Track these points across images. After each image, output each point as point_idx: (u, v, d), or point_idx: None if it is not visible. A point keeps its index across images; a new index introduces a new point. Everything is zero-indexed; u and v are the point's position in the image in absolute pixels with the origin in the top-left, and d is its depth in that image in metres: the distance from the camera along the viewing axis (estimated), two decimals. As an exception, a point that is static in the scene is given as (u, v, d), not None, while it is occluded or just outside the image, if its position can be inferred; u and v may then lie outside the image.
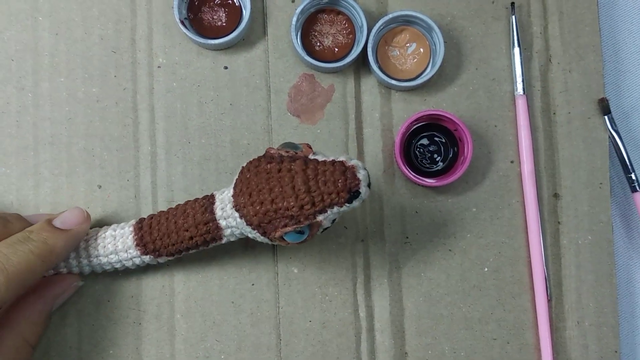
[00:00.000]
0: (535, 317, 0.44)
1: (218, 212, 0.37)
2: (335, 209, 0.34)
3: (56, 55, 0.45)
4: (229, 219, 0.37)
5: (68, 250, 0.39)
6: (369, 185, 0.34)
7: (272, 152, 0.36)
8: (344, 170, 0.33)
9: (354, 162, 0.34)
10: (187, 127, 0.45)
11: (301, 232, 0.35)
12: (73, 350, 0.43)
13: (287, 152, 0.35)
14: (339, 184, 0.33)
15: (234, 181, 0.37)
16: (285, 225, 0.34)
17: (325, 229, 0.36)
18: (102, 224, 0.43)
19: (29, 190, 0.44)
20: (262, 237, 0.36)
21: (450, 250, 0.45)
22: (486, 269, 0.45)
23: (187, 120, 0.45)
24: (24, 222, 0.40)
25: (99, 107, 0.45)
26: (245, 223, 0.36)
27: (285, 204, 0.34)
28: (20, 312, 0.39)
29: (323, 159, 0.34)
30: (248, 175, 0.35)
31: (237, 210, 0.36)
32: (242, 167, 0.36)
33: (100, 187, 0.44)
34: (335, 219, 0.35)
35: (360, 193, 0.33)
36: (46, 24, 0.45)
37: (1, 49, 0.45)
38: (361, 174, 0.33)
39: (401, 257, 0.45)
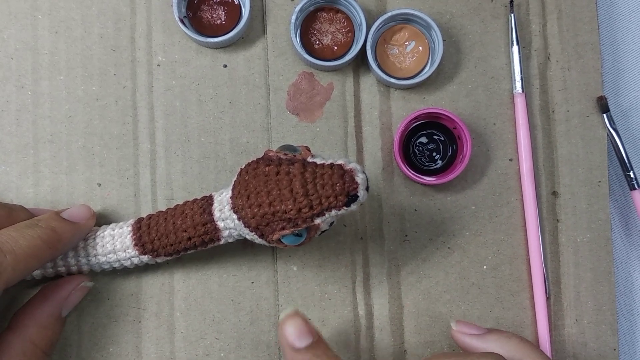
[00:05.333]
0: (534, 315, 0.44)
1: (216, 214, 0.37)
2: (333, 212, 0.34)
3: (56, 53, 0.45)
4: (227, 221, 0.37)
5: (74, 242, 0.39)
6: (367, 188, 0.34)
7: (270, 154, 0.35)
8: (343, 173, 0.33)
9: (352, 165, 0.34)
10: (187, 125, 0.45)
11: (299, 235, 0.35)
12: (73, 348, 0.43)
13: (285, 154, 0.35)
14: (337, 188, 0.33)
15: (232, 183, 0.37)
16: (283, 228, 0.34)
17: (323, 232, 0.36)
18: (101, 222, 0.43)
19: (29, 188, 0.44)
20: (259, 239, 0.36)
21: (449, 248, 0.45)
22: (485, 267, 0.45)
23: (187, 119, 0.45)
24: (28, 213, 0.40)
25: (98, 105, 0.45)
26: (243, 225, 0.36)
27: (283, 207, 0.34)
28: (28, 316, 0.39)
29: (321, 162, 0.34)
30: (246, 177, 0.35)
31: (235, 212, 0.36)
32: (241, 168, 0.36)
33: (99, 185, 0.44)
34: (333, 222, 0.35)
35: (358, 197, 0.33)
36: (46, 23, 0.45)
37: (1, 47, 0.45)
38: (359, 178, 0.33)
39: (400, 255, 0.45)
